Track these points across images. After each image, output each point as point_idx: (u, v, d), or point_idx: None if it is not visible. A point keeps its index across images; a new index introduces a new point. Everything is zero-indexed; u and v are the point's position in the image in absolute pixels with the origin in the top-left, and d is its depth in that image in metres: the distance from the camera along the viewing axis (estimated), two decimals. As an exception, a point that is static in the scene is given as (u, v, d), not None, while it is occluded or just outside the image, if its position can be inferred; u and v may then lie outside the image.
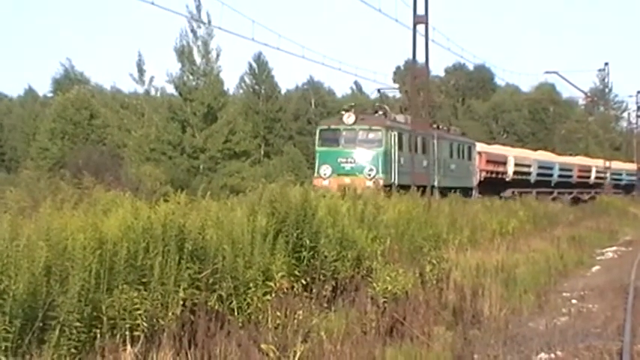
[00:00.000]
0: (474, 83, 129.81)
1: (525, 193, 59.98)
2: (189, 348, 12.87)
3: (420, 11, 38.11)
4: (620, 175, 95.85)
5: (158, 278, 14.18)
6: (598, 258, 35.51)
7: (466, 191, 51.78)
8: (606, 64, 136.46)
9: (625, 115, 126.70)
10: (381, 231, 24.47)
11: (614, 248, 40.70)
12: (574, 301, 22.92)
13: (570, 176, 79.40)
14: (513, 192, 60.75)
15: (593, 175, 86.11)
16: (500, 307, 19.77)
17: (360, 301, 18.02)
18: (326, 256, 19.99)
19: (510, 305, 20.26)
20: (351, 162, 38.32)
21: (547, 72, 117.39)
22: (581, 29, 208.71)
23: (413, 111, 47.97)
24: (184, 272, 14.73)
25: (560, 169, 77.12)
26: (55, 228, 13.69)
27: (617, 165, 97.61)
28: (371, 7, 42.42)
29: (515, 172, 61.22)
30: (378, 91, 60.97)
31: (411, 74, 47.82)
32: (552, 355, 15.85)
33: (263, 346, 10.53)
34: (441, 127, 53.69)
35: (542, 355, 15.84)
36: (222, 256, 16.26)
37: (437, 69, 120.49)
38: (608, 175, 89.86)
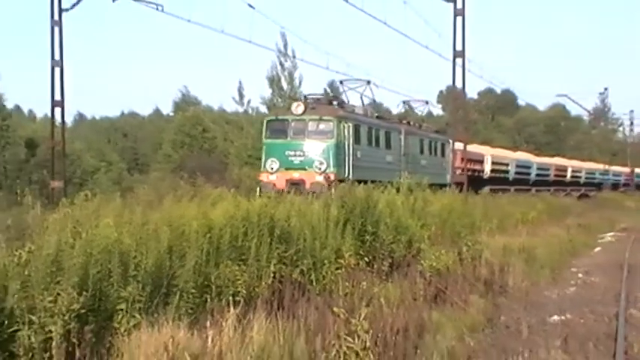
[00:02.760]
0: (500, 103, 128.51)
1: (503, 190, 54.63)
2: (278, 310, 12.75)
3: (459, 47, 37.34)
4: (594, 174, 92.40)
5: (254, 256, 14.35)
6: (600, 241, 35.36)
7: (439, 188, 37.82)
8: (606, 88, 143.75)
9: (620, 129, 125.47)
10: (428, 219, 24.20)
11: (613, 234, 40.53)
12: (580, 275, 22.96)
13: (548, 175, 73.59)
14: (491, 189, 54.17)
15: (569, 174, 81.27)
16: (522, 279, 19.81)
17: (411, 275, 17.91)
18: (384, 240, 19.88)
19: (530, 278, 20.38)
20: (300, 155, 28.97)
21: (559, 95, 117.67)
22: (586, 57, 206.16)
23: (454, 126, 47.08)
24: (274, 251, 14.93)
25: (538, 169, 71.10)
26: (175, 216, 13.96)
27: (590, 165, 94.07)
28: (420, 45, 42.16)
29: (492, 170, 54.56)
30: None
31: (452, 97, 47.41)
32: (563, 317, 15.76)
33: (335, 309, 10.60)
34: (412, 123, 43.65)
35: (555, 317, 15.76)
36: (303, 239, 16.34)
37: (471, 92, 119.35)
38: (582, 174, 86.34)
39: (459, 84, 39.83)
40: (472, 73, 52.30)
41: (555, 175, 74.35)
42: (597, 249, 31.78)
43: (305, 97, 32.27)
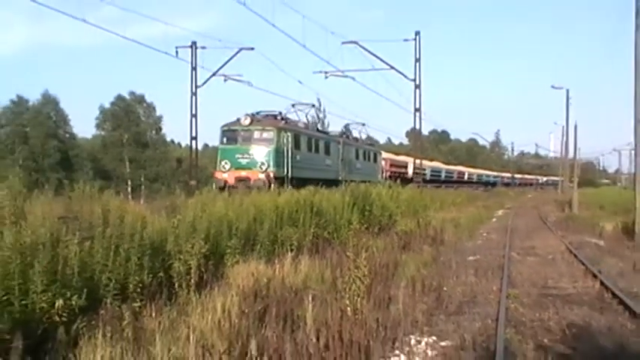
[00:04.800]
0: (439, 137, 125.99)
1: (421, 186, 50.97)
2: (315, 254, 12.82)
3: (417, 106, 35.50)
4: (489, 177, 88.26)
5: (301, 223, 14.45)
6: (495, 215, 35.10)
7: (373, 183, 32.64)
8: (498, 129, 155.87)
9: (507, 152, 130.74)
10: (400, 203, 24.40)
11: (502, 211, 40.15)
12: (485, 234, 22.88)
13: (452, 176, 67.46)
14: (415, 185, 49.86)
15: (466, 176, 75.00)
16: (452, 237, 19.50)
17: (390, 234, 18.10)
18: (375, 214, 20.16)
19: (457, 236, 20.14)
20: (246, 157, 24.73)
21: (474, 133, 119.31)
22: (488, 111, 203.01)
23: (414, 149, 46.87)
24: (313, 220, 15.00)
25: (446, 172, 64.80)
26: (258, 200, 14.15)
27: (484, 171, 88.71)
28: (394, 103, 41.94)
29: (414, 173, 45.85)
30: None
31: (413, 135, 46.76)
32: (475, 257, 15.60)
33: (347, 254, 10.75)
34: (350, 137, 37.46)
35: (471, 257, 15.63)
36: (329, 214, 16.49)
37: (424, 130, 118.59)
38: (475, 175, 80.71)
39: (417, 126, 38.99)
40: (425, 120, 52.04)
41: (457, 177, 69.70)
42: (494, 219, 31.59)
43: (255, 113, 26.73)
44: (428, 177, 47.18)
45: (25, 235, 7.08)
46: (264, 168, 24.23)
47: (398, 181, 32.52)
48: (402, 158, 52.37)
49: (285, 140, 25.46)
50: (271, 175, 24.12)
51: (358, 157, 36.56)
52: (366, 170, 37.06)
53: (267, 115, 27.26)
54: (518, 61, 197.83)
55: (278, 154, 24.87)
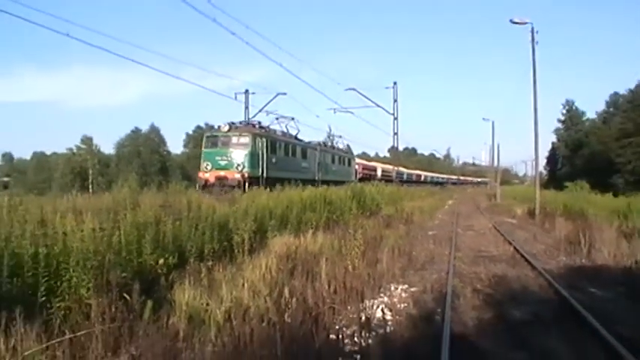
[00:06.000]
0: (410, 152, 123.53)
1: (397, 184, 42.40)
2: (327, 230, 12.35)
3: (395, 130, 35.26)
4: (440, 178, 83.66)
5: (318, 210, 14.01)
6: (447, 204, 34.39)
7: (346, 183, 26.88)
8: (449, 147, 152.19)
9: (455, 162, 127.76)
10: (384, 196, 23.53)
11: (451, 201, 39.03)
12: (440, 216, 22.43)
13: (412, 178, 61.20)
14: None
15: (423, 177, 69.43)
16: (419, 218, 19.11)
17: (378, 217, 17.39)
18: (368, 204, 19.51)
19: (422, 218, 19.76)
20: (225, 159, 20.28)
21: (433, 149, 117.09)
22: (443, 133, 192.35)
23: (393, 162, 46.06)
24: (326, 208, 14.57)
25: (407, 175, 57.90)
26: (287, 195, 13.86)
27: (433, 174, 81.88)
28: (379, 129, 41.08)
29: (382, 175, 43.36)
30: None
31: (393, 151, 46.20)
32: (434, 232, 15.36)
33: (349, 230, 10.72)
34: (327, 144, 32.49)
35: (430, 232, 15.29)
36: (337, 203, 16.08)
37: (401, 147, 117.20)
38: (429, 177, 75.25)
39: (395, 145, 38.54)
40: (400, 141, 51.39)
41: (415, 178, 64.22)
42: (446, 207, 30.97)
43: (238, 122, 21.97)
44: (394, 178, 42.78)
45: (139, 217, 7.25)
46: (239, 169, 19.89)
47: (372, 180, 29.91)
48: (372, 164, 47.92)
49: (260, 145, 20.90)
50: (246, 175, 19.73)
51: (334, 161, 31.54)
52: (340, 172, 32.14)
53: (247, 124, 22.57)
54: (461, 99, 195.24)
55: (253, 157, 20.40)
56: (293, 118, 27.22)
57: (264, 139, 21.26)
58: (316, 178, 26.68)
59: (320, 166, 28.10)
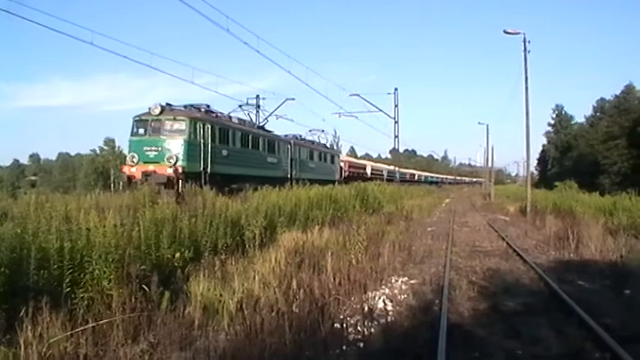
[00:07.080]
0: (410, 154, 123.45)
1: (397, 184, 38.72)
2: (332, 226, 12.08)
3: (396, 133, 35.11)
4: (436, 178, 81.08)
5: (324, 207, 13.79)
6: (444, 202, 34.28)
7: (329, 182, 23.24)
8: (446, 149, 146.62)
9: (452, 163, 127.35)
10: (385, 194, 23.23)
11: (448, 200, 38.79)
12: (438, 214, 22.43)
13: (406, 177, 55.59)
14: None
15: (417, 177, 65.53)
16: (418, 215, 19.12)
17: (379, 214, 17.23)
18: (370, 201, 19.23)
19: (421, 215, 19.81)
20: (155, 150, 14.30)
21: (432, 151, 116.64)
22: (442, 137, 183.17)
23: (395, 161, 44.95)
24: (331, 206, 14.36)
25: (400, 174, 49.24)
26: (296, 194, 13.79)
27: (427, 173, 77.65)
28: (381, 132, 40.35)
29: (372, 173, 39.45)
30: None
31: (394, 152, 45.75)
32: (432, 228, 15.39)
33: (353, 226, 10.66)
34: (305, 139, 26.09)
35: (429, 228, 15.32)
36: (341, 201, 15.98)
37: (401, 149, 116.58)
38: (423, 177, 71.73)
39: (396, 146, 38.12)
40: (401, 143, 50.79)
41: (409, 177, 59.66)
42: (444, 205, 30.90)
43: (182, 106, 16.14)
44: (385, 177, 39.32)
45: (157, 214, 7.28)
46: (172, 162, 14.31)
47: (359, 179, 27.09)
48: (361, 161, 43.53)
49: (202, 132, 15.30)
50: (180, 170, 14.28)
51: (312, 157, 25.63)
52: (321, 170, 26.53)
53: (187, 107, 16.26)
54: (458, 104, 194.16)
55: (191, 147, 14.84)
56: (259, 106, 23.44)
57: (208, 126, 15.68)
58: (289, 175, 21.63)
59: (294, 162, 22.82)
